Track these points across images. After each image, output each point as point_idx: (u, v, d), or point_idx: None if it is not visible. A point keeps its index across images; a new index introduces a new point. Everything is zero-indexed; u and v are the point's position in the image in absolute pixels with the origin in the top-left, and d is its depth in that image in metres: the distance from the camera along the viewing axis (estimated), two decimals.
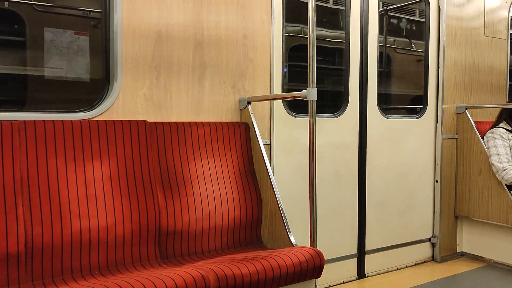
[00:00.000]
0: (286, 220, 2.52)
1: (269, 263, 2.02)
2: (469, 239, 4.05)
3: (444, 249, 4.00)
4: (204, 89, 2.75)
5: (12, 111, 2.27)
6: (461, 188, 3.99)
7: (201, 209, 2.51)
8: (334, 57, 3.95)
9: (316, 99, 2.28)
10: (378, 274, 3.64)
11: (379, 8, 3.65)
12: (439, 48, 3.94)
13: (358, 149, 3.52)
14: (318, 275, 2.18)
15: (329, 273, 3.31)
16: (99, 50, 2.79)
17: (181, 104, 2.67)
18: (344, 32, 3.47)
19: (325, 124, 3.33)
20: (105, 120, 2.34)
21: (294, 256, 2.10)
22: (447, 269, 3.79)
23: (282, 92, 3.11)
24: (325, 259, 2.29)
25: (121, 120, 2.38)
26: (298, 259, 2.09)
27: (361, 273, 3.56)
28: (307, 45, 2.30)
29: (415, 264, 3.90)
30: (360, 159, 3.52)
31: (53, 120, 2.20)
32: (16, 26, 3.06)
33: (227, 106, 2.83)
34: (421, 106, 3.96)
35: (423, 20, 3.97)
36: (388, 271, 3.70)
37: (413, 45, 4.49)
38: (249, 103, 2.83)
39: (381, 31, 3.89)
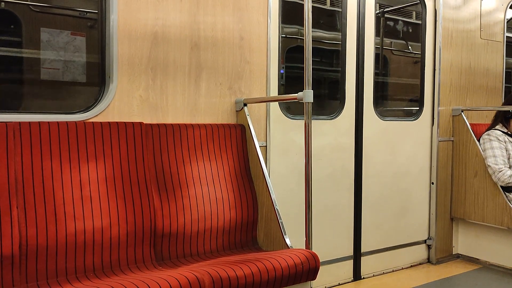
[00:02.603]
0: (281, 222, 2.52)
1: (264, 265, 2.02)
2: (464, 241, 4.06)
3: (439, 251, 4.01)
4: (200, 91, 2.75)
5: (7, 112, 2.26)
6: (456, 190, 4.00)
7: (196, 211, 2.51)
8: (330, 59, 3.95)
9: (312, 101, 2.28)
10: (373, 276, 3.64)
11: (375, 10, 3.65)
12: (435, 50, 3.95)
13: (354, 151, 3.52)
14: (314, 277, 2.18)
15: (324, 275, 3.31)
16: (96, 51, 2.78)
17: (177, 106, 2.66)
18: (340, 33, 3.48)
19: (321, 126, 3.34)
20: (100, 122, 2.33)
21: (289, 258, 2.10)
22: (443, 271, 3.80)
23: (278, 94, 3.11)
24: (321, 261, 2.29)
25: (116, 122, 2.37)
26: (293, 261, 2.09)
27: (356, 275, 3.57)
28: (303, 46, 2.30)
29: (411, 266, 3.91)
30: (356, 161, 3.53)
31: (48, 122, 2.19)
32: (12, 26, 3.05)
33: (223, 108, 2.83)
34: (417, 108, 3.97)
35: (420, 22, 3.98)
36: (383, 273, 3.71)
37: (409, 47, 4.50)
38: (245, 104, 2.83)
39: (377, 33, 3.89)
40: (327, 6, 3.87)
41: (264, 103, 2.99)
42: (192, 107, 2.71)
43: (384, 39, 4.34)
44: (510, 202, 3.62)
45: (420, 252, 3.98)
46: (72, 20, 3.16)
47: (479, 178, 3.81)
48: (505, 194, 3.66)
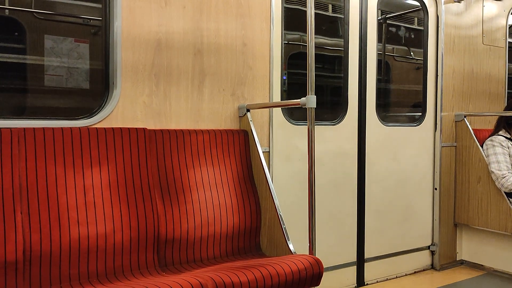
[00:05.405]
0: (285, 228, 2.51)
1: (268, 271, 2.02)
2: (468, 247, 4.04)
3: (443, 257, 3.99)
4: (204, 97, 2.75)
5: (11, 118, 2.27)
6: (460, 196, 3.99)
7: (200, 216, 2.51)
8: (333, 65, 3.96)
9: (315, 106, 2.29)
10: (377, 282, 3.63)
11: (377, 17, 3.67)
12: (438, 56, 3.96)
13: (357, 156, 3.52)
14: (317, 283, 2.18)
15: (328, 281, 3.30)
16: (99, 58, 2.80)
17: (181, 112, 2.67)
18: (343, 40, 3.49)
19: (324, 132, 3.34)
20: (104, 128, 2.34)
21: (293, 264, 2.10)
22: (447, 277, 3.78)
23: (281, 100, 3.12)
24: (324, 267, 2.29)
25: (120, 128, 2.38)
26: (297, 267, 2.09)
27: (360, 281, 3.55)
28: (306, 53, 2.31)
29: (415, 272, 3.89)
30: (359, 167, 3.53)
31: (52, 128, 2.20)
32: (16, 33, 3.07)
33: (226, 114, 2.84)
34: (420, 113, 3.97)
35: (422, 28, 4.00)
36: (387, 279, 3.69)
37: (412, 53, 4.51)
38: (248, 110, 2.83)
39: (380, 39, 3.90)
40: (329, 13, 3.89)
41: (267, 109, 3.00)
42: (195, 113, 2.72)
43: (386, 45, 4.35)
44: None
45: (423, 258, 3.96)
46: (76, 27, 3.19)
47: (483, 184, 3.80)
48: (509, 200, 3.65)
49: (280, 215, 2.55)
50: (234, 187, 2.67)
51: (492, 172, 3.72)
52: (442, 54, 3.94)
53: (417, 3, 3.95)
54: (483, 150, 3.85)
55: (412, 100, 4.36)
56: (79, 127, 2.29)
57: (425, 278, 3.80)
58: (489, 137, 3.92)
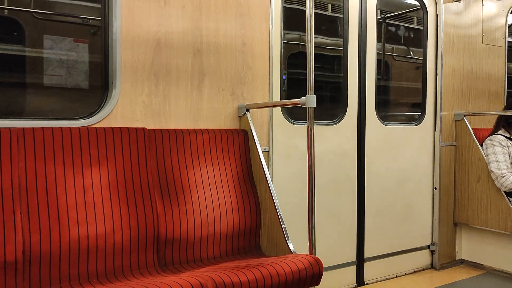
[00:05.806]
0: (284, 228, 2.51)
1: (268, 271, 2.02)
2: (468, 246, 4.04)
3: (443, 257, 3.99)
4: (203, 96, 2.75)
5: (11, 118, 2.27)
6: (459, 195, 3.99)
7: (199, 216, 2.51)
8: (332, 65, 3.96)
9: (315, 106, 2.29)
10: (377, 281, 3.63)
11: (377, 16, 3.67)
12: (437, 56, 3.96)
13: (357, 156, 3.52)
14: (317, 283, 2.17)
15: (328, 281, 3.30)
16: (99, 58, 2.79)
17: (180, 111, 2.67)
18: (342, 39, 3.49)
19: (324, 131, 3.34)
20: (104, 127, 2.34)
21: (292, 263, 2.10)
22: (447, 277, 3.79)
23: (280, 99, 3.12)
24: (324, 266, 2.28)
25: (120, 127, 2.38)
26: (296, 267, 2.09)
27: (360, 281, 3.55)
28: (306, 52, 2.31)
29: (414, 271, 3.89)
30: (358, 166, 3.53)
31: (52, 127, 2.20)
32: (15, 33, 3.07)
33: (226, 113, 2.83)
34: (420, 113, 3.97)
35: (421, 27, 4.00)
36: (387, 279, 3.69)
37: (411, 53, 4.51)
38: (247, 110, 2.83)
39: (379, 39, 3.90)
40: (329, 13, 3.89)
41: (267, 109, 2.99)
42: (194, 113, 2.72)
43: (386, 44, 4.35)
44: None
45: (423, 258, 3.96)
46: (75, 27, 3.18)
47: (482, 183, 3.80)
48: (508, 199, 3.65)
49: (280, 214, 2.55)
50: (233, 187, 2.67)
51: (492, 171, 3.72)
52: (441, 54, 3.94)
53: (416, 3, 3.95)
54: (482, 150, 3.85)
55: (411, 100, 4.36)
56: (78, 127, 2.29)
57: (425, 277, 3.80)
58: (488, 136, 3.92)
